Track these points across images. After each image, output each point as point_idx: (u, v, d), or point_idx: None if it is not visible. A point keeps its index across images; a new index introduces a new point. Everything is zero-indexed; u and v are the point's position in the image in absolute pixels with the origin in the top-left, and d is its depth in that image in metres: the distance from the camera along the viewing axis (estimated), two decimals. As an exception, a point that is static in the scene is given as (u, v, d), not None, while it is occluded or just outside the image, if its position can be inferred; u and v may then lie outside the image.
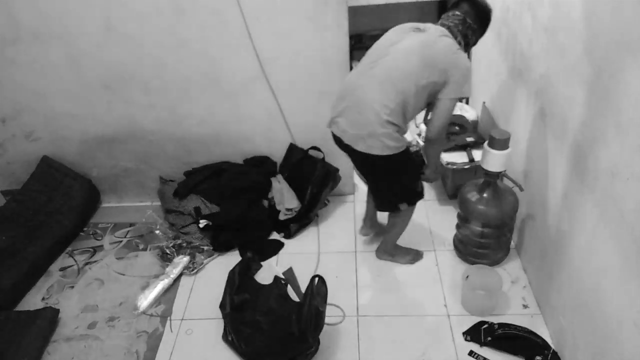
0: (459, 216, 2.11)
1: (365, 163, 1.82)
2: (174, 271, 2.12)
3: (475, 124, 2.57)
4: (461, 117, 2.57)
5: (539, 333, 1.73)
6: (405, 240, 2.24)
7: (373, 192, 2.10)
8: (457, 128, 2.49)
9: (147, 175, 2.56)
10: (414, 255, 2.16)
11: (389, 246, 2.14)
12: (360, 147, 1.70)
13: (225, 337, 1.81)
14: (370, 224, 2.30)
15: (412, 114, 1.71)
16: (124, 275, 2.20)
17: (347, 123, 1.71)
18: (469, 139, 2.37)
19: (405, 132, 1.75)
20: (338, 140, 1.80)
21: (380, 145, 1.66)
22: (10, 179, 2.54)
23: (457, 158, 2.34)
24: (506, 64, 2.19)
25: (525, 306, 1.88)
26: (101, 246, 2.39)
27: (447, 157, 2.36)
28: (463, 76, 1.63)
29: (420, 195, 1.93)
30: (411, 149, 2.24)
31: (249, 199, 2.37)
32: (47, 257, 2.28)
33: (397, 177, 1.84)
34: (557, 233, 1.65)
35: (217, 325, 1.86)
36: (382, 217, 2.23)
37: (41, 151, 2.45)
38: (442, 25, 1.71)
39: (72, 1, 1.98)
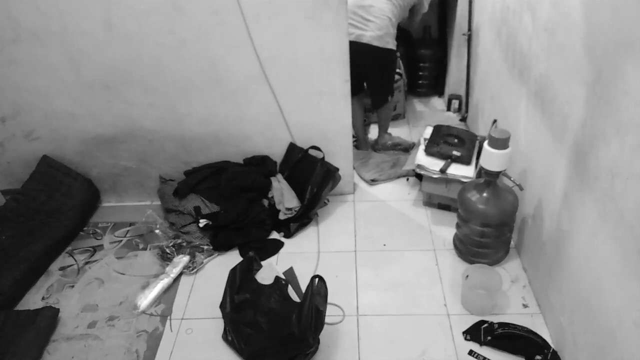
0: (459, 216, 2.11)
1: (377, 56, 2.58)
2: (174, 270, 2.13)
3: (482, 138, 2.37)
4: (467, 132, 2.49)
5: (538, 332, 1.73)
6: (406, 240, 2.27)
7: (374, 91, 2.82)
8: (455, 140, 2.37)
9: (147, 174, 2.56)
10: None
11: (385, 136, 2.99)
12: (379, 43, 2.51)
13: (225, 336, 1.81)
14: (366, 143, 3.04)
15: (397, 22, 2.62)
16: (123, 274, 2.20)
17: (370, 29, 2.49)
18: (455, 153, 2.28)
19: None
20: (355, 47, 2.30)
21: (391, 42, 2.57)
22: (10, 179, 2.54)
23: (430, 165, 2.29)
24: (506, 63, 2.20)
25: (525, 305, 1.88)
26: (101, 245, 2.39)
27: (422, 160, 2.31)
28: None
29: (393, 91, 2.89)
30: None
31: (249, 198, 2.37)
32: (47, 256, 2.28)
33: (390, 70, 2.78)
34: (557, 232, 1.65)
35: (217, 325, 1.86)
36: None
37: (41, 150, 2.45)
38: None
39: (72, 1, 1.97)
